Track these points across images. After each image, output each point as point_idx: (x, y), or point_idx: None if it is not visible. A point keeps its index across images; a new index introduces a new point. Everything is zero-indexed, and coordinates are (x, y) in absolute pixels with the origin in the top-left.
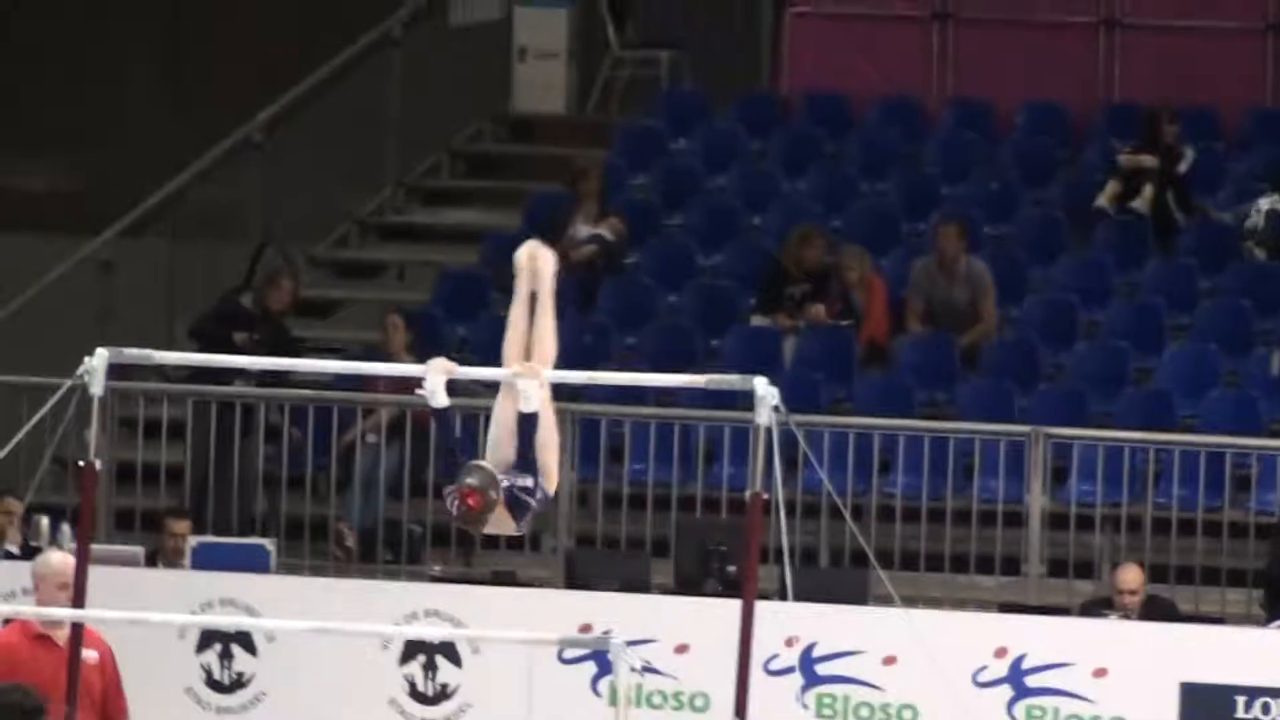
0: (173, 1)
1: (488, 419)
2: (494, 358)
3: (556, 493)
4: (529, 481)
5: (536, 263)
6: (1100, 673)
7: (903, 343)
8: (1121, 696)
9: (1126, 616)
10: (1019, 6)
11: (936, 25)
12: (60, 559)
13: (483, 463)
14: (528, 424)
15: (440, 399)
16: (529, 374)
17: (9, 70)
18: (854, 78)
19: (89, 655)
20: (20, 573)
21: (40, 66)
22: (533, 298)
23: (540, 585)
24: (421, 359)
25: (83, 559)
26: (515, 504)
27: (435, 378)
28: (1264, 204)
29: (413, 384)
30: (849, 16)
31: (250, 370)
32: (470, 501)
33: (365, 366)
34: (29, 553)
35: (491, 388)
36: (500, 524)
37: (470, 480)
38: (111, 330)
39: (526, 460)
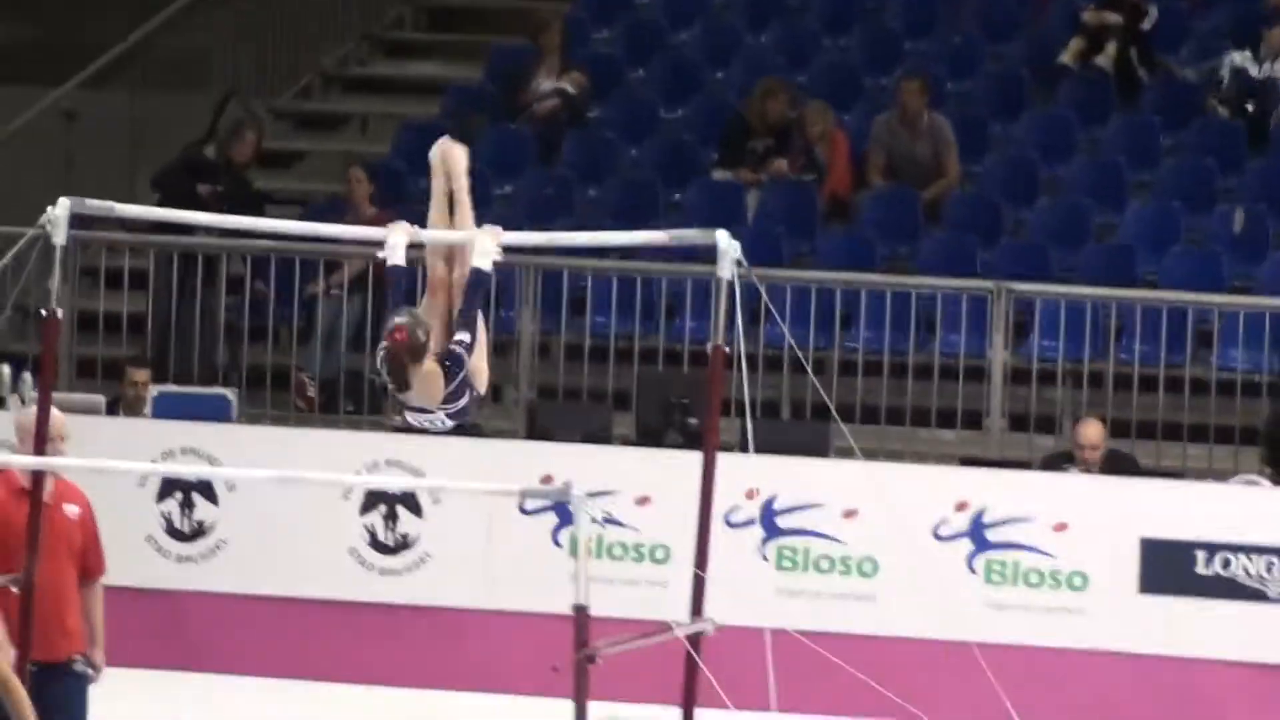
0: None
1: None
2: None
3: (518, 343)
4: (464, 336)
5: (450, 161)
6: (1060, 527)
7: (865, 197)
8: (1081, 551)
9: (1087, 471)
10: None
11: None
12: (31, 414)
13: (413, 309)
14: (477, 281)
15: (398, 257)
16: (490, 235)
17: None
18: None
19: (70, 509)
20: None
21: None
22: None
23: (502, 436)
24: (383, 210)
25: (44, 408)
26: (449, 357)
27: (396, 237)
28: (1234, 58)
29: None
30: None
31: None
32: (397, 335)
33: (328, 228)
34: None
35: None
36: (428, 383)
37: (399, 319)
38: (74, 180)
39: (465, 318)
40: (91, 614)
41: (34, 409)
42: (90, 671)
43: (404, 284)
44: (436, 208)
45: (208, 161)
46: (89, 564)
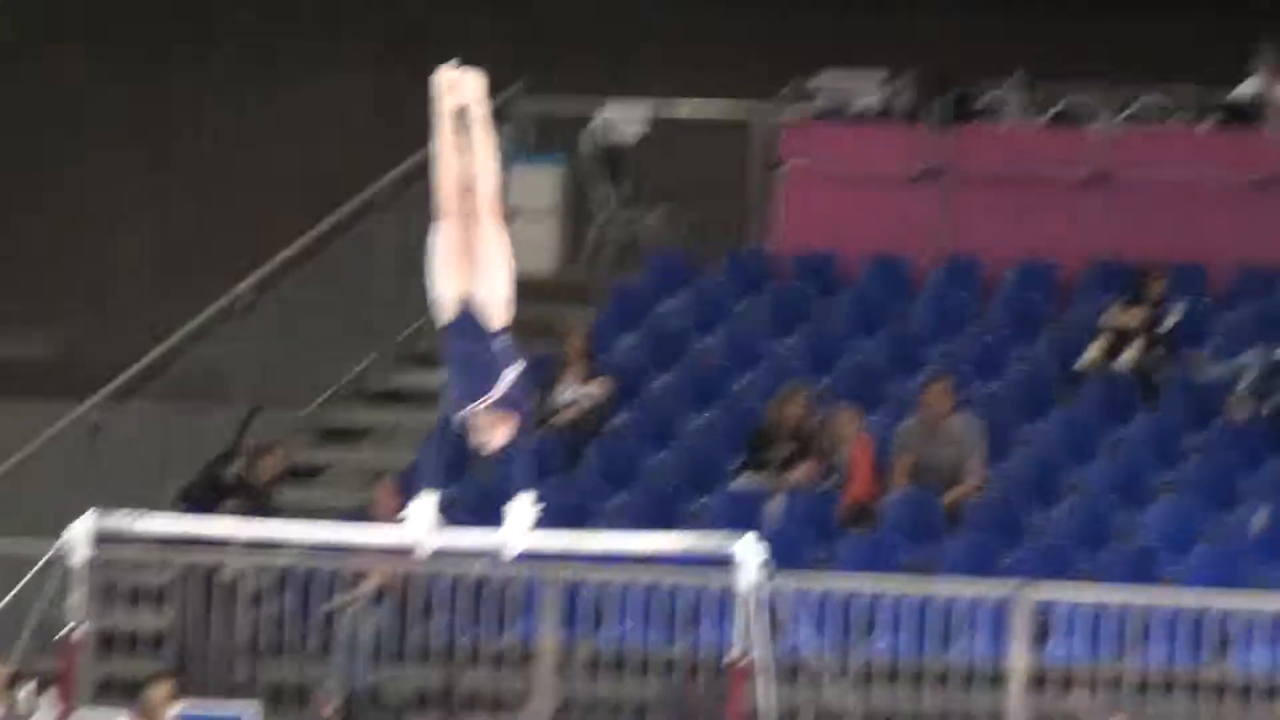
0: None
1: None
2: (484, 518)
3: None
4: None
5: (461, 85)
6: None
7: (887, 503)
8: None
9: None
10: (1009, 161)
11: (927, 183)
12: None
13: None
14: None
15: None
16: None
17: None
18: (843, 235)
19: None
20: None
21: (24, 236)
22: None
23: None
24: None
25: None
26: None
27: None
28: (1250, 357)
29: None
30: (839, 175)
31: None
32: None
33: (352, 534)
34: None
35: None
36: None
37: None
38: (103, 493)
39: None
40: None
41: None
42: None
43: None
44: (445, 135)
45: (231, 482)
46: None
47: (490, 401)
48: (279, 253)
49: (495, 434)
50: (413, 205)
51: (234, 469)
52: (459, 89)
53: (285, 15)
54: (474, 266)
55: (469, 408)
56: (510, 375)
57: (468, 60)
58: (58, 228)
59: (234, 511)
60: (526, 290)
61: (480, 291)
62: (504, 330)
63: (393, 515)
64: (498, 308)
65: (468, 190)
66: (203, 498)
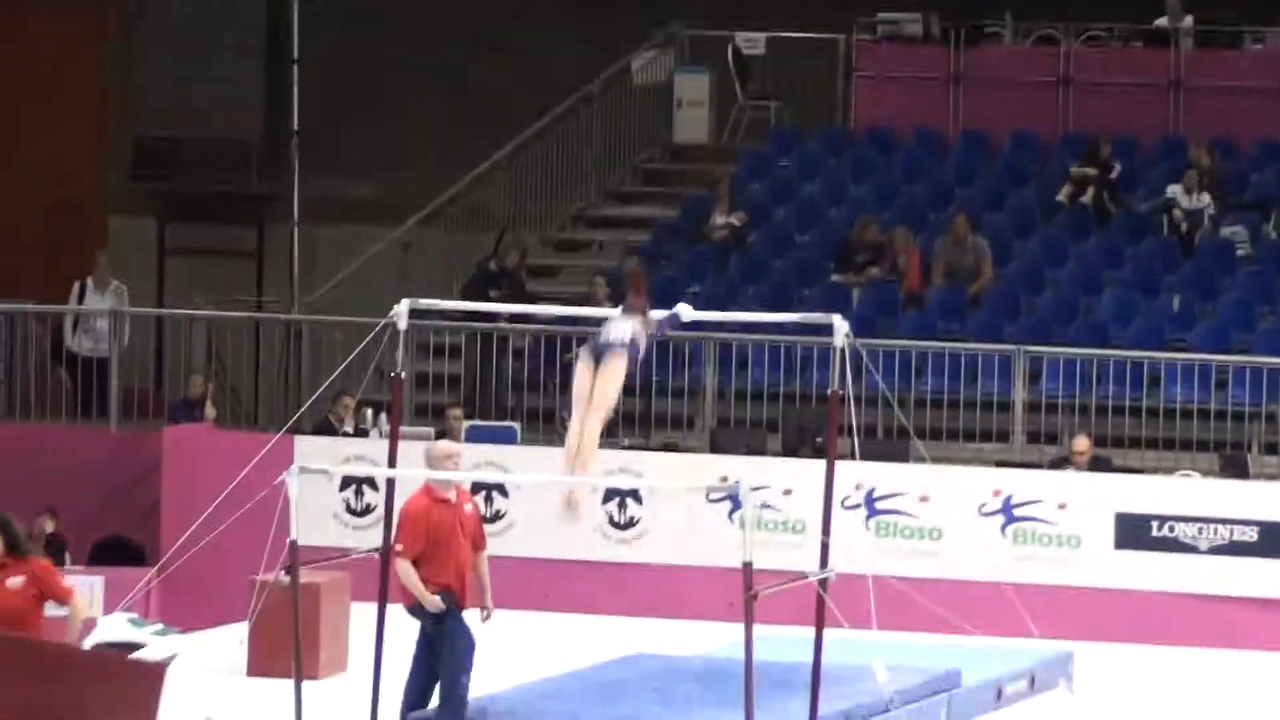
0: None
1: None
2: (661, 307)
3: (704, 389)
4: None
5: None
6: (1062, 506)
7: (930, 292)
8: (1077, 522)
9: (1079, 469)
10: (1005, 70)
11: (952, 84)
12: (444, 443)
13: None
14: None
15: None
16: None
17: (338, 116)
18: (897, 117)
19: (467, 507)
20: (353, 446)
21: (359, 113)
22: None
23: (694, 451)
24: (614, 305)
25: (394, 437)
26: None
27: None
28: (1173, 192)
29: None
30: (894, 78)
31: (501, 314)
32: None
33: (580, 311)
34: (360, 433)
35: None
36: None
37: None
38: (410, 289)
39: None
40: (482, 574)
41: (437, 442)
42: (484, 612)
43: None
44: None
45: (493, 272)
46: (478, 542)
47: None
48: (525, 130)
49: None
50: (619, 94)
51: (493, 264)
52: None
53: None
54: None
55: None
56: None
57: None
58: (374, 114)
59: (499, 295)
60: (690, 154)
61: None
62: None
63: (603, 298)
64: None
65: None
66: (478, 287)
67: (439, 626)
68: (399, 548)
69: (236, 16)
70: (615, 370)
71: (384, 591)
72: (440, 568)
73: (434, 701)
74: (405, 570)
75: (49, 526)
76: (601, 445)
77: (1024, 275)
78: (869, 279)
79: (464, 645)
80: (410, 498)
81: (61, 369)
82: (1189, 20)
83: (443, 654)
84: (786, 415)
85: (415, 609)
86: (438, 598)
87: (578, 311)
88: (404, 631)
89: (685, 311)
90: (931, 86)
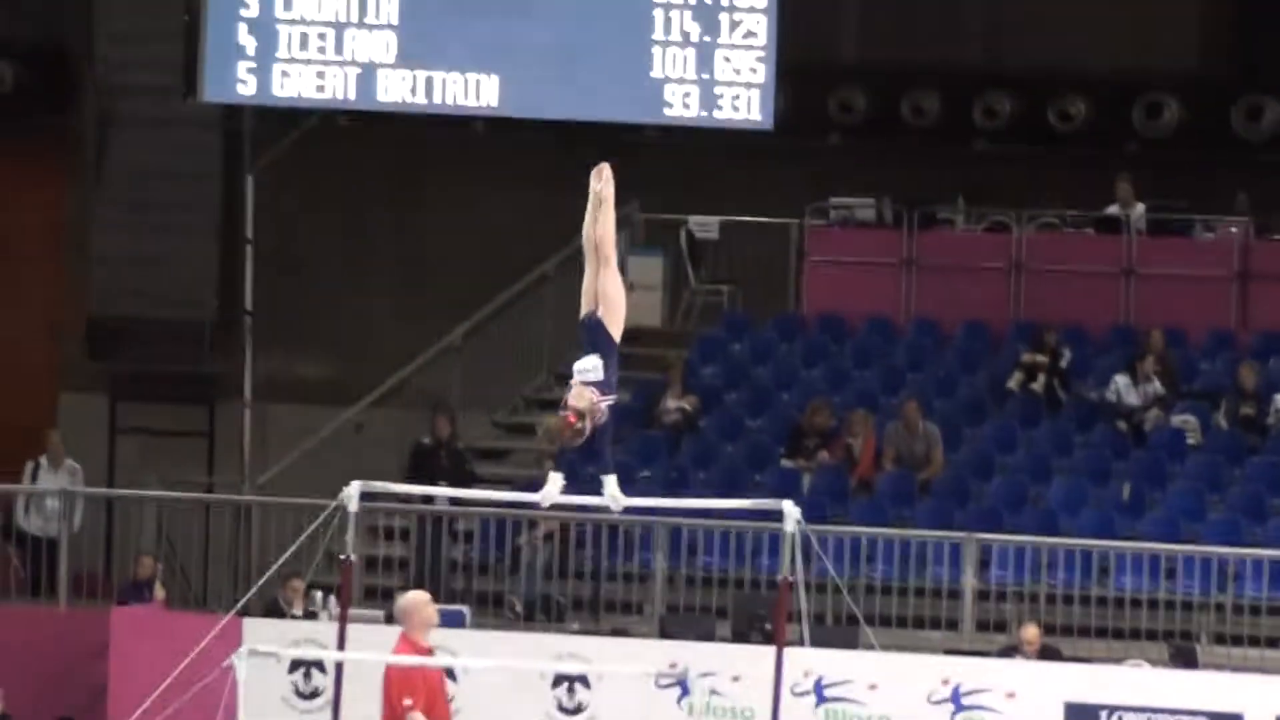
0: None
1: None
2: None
3: (654, 575)
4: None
5: (602, 174)
6: (1011, 695)
7: (880, 478)
8: (1026, 711)
9: (1028, 658)
10: (957, 256)
11: (904, 268)
12: (415, 595)
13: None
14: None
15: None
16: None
17: (292, 296)
18: (850, 302)
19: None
20: (302, 630)
21: (314, 292)
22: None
23: (643, 637)
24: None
25: (344, 621)
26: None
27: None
28: (1118, 383)
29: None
30: (846, 263)
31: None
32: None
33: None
34: (309, 615)
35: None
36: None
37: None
38: (362, 469)
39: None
40: None
41: (407, 596)
42: None
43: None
44: (590, 209)
45: (429, 448)
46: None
47: (589, 380)
48: (479, 311)
49: (582, 401)
50: (571, 275)
51: (427, 439)
52: (601, 177)
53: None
54: (600, 297)
55: (575, 378)
56: (608, 368)
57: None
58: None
59: (442, 473)
60: (643, 338)
61: (600, 310)
62: (614, 342)
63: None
64: (614, 325)
65: (596, 246)
66: (417, 464)
67: None
68: (408, 702)
69: (192, 195)
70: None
71: None
72: None
73: None
74: None
75: None
76: (548, 631)
77: (974, 462)
78: (820, 464)
79: None
80: (395, 649)
81: (11, 548)
82: (1140, 208)
83: None
84: (737, 601)
85: None
86: None
87: (518, 497)
88: None
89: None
90: (884, 271)
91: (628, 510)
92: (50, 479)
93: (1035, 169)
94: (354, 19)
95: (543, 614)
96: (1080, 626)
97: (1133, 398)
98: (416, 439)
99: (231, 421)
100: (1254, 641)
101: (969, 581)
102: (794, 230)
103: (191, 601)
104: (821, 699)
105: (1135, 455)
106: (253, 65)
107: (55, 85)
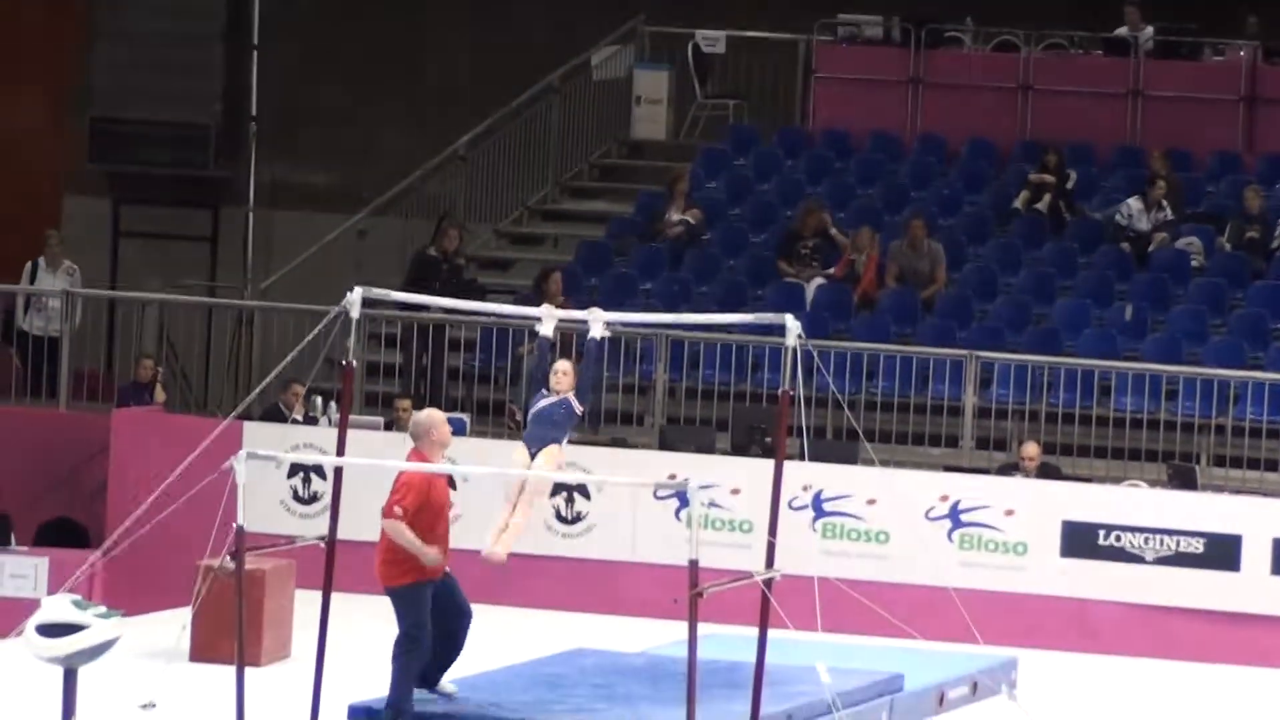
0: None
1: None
2: (614, 303)
3: (654, 386)
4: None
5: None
6: (1009, 512)
7: (883, 294)
8: (1023, 529)
9: (1027, 476)
10: (965, 75)
11: (911, 87)
12: (429, 413)
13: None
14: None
15: (545, 330)
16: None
17: (312, 101)
18: (855, 119)
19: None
20: (301, 434)
21: (327, 99)
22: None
23: (643, 448)
24: (566, 298)
25: (343, 426)
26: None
27: (548, 317)
28: (1129, 206)
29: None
30: (853, 80)
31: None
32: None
33: (530, 310)
34: (309, 421)
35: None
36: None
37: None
38: (363, 276)
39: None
40: None
41: (425, 412)
42: None
43: (546, 349)
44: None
45: (432, 258)
46: None
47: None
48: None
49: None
50: (578, 88)
51: (432, 249)
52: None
53: None
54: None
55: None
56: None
57: None
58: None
59: (440, 282)
60: (648, 150)
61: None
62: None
63: (556, 293)
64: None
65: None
66: (418, 273)
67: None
68: (398, 510)
69: (198, 2)
70: (551, 455)
71: (329, 579)
72: (431, 538)
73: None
74: (401, 530)
75: None
76: None
77: (978, 281)
78: (822, 277)
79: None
80: (409, 459)
81: (12, 348)
82: (1149, 30)
83: (449, 608)
84: (736, 414)
85: (402, 590)
86: (435, 551)
87: (514, 310)
88: (349, 620)
89: (596, 330)
90: (890, 89)
91: (629, 324)
92: (49, 279)
93: None
94: None
95: None
96: (1080, 446)
97: (1143, 223)
98: (419, 248)
99: (235, 227)
100: (1253, 464)
101: (969, 399)
102: (801, 46)
103: (192, 405)
104: (820, 513)
105: (1138, 276)
106: None
107: None
